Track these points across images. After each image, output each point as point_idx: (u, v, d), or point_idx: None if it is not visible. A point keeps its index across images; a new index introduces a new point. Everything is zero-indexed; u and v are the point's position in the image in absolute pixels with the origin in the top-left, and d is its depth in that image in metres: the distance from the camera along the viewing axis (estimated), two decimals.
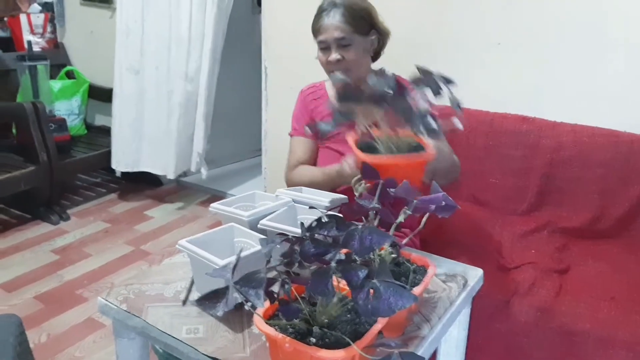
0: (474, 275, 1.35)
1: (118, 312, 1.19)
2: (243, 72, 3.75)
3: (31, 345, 2.03)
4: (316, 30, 1.65)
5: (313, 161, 1.81)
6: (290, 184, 1.75)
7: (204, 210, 3.31)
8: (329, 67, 1.65)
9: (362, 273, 0.82)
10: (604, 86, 2.05)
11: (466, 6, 2.24)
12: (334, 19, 1.60)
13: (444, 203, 1.11)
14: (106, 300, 1.21)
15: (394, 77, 1.24)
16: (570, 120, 2.05)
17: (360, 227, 0.89)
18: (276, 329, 0.92)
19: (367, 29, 1.64)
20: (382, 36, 1.71)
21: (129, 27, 3.08)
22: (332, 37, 1.61)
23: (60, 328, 2.20)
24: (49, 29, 3.81)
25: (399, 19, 2.39)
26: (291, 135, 1.83)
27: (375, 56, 1.73)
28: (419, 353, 1.07)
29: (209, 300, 0.86)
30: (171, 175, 3.27)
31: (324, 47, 1.64)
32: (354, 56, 1.62)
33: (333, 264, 0.85)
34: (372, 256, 1.03)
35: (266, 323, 0.93)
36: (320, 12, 1.64)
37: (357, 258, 0.93)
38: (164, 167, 3.27)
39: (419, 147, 1.32)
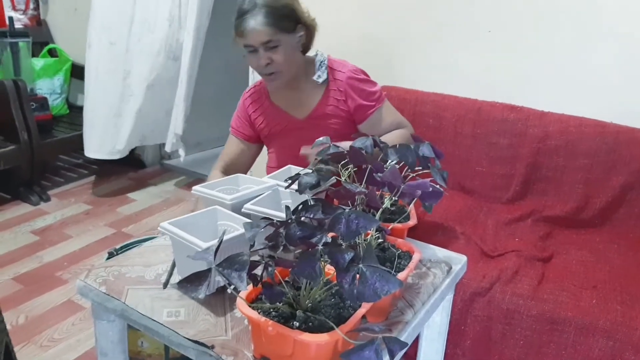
0: (458, 261, 1.35)
1: (97, 295, 1.17)
2: (229, 53, 3.69)
3: (9, 327, 2.02)
4: (240, 33, 1.56)
5: (244, 163, 1.85)
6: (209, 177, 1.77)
7: (187, 193, 3.28)
8: (260, 70, 1.62)
9: (349, 255, 0.81)
10: (592, 76, 2.05)
11: None
12: (256, 22, 1.52)
13: (431, 189, 1.10)
14: (85, 282, 1.19)
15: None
16: (557, 109, 2.05)
17: (347, 210, 0.88)
18: (259, 313, 0.90)
19: (292, 25, 1.58)
20: (309, 29, 1.64)
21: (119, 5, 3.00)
22: (259, 41, 1.54)
23: (39, 310, 2.17)
24: (31, 5, 3.72)
25: (391, 6, 2.38)
26: (230, 132, 1.86)
27: (305, 49, 1.67)
28: (402, 338, 1.06)
29: (190, 282, 0.84)
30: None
31: (252, 51, 1.58)
32: (283, 57, 1.57)
33: (320, 247, 0.84)
34: (358, 241, 1.02)
35: (249, 306, 0.92)
36: (242, 14, 1.55)
37: (342, 242, 0.92)
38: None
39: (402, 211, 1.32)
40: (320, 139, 1.30)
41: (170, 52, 3.02)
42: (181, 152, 3.26)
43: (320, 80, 1.67)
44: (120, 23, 2.95)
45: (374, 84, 1.72)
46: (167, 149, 3.25)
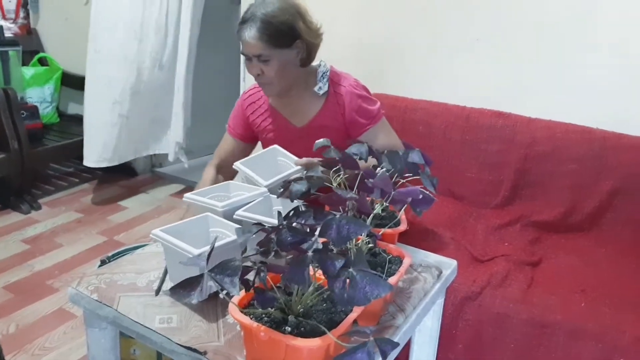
0: (448, 266, 1.37)
1: (89, 302, 1.17)
2: (221, 62, 3.71)
3: (0, 337, 2.01)
4: (238, 38, 1.59)
5: (237, 160, 1.84)
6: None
7: (179, 201, 3.28)
8: (254, 78, 1.64)
9: (339, 263, 0.82)
10: (578, 83, 2.08)
11: (447, 3, 2.25)
12: (250, 35, 1.54)
13: (421, 196, 1.11)
14: (77, 289, 1.19)
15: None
16: (544, 116, 2.08)
17: (337, 216, 0.89)
18: (251, 318, 0.91)
19: (288, 42, 1.57)
20: (309, 44, 1.62)
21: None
22: (251, 52, 1.57)
23: (30, 319, 2.15)
24: (21, 14, 3.71)
25: (382, 15, 2.41)
26: (227, 130, 1.87)
27: (304, 64, 1.66)
28: None
29: (183, 288, 0.85)
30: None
31: (247, 58, 1.60)
32: (274, 71, 1.58)
33: (310, 253, 0.85)
34: (348, 246, 1.04)
35: (241, 312, 0.92)
36: (242, 22, 1.57)
37: (333, 248, 0.93)
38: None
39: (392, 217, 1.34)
40: (321, 140, 1.31)
41: (157, 60, 3.04)
42: (183, 159, 3.29)
43: (321, 92, 1.68)
44: (105, 31, 2.96)
45: (373, 102, 1.72)
46: (170, 158, 3.28)
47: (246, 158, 1.52)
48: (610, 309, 1.57)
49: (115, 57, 2.97)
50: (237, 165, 1.46)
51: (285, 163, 1.52)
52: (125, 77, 3.00)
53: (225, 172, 1.85)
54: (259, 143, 1.91)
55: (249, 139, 1.85)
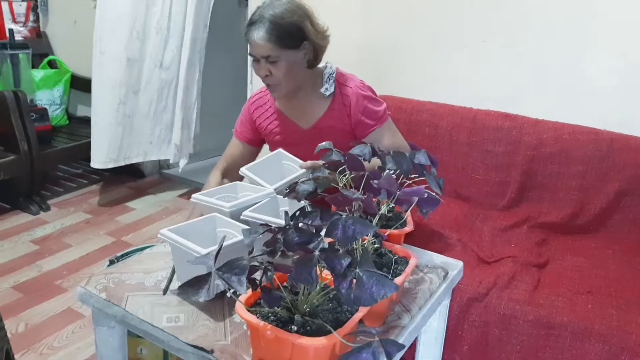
0: (454, 267, 1.37)
1: (97, 301, 1.18)
2: (228, 65, 3.73)
3: (9, 335, 2.02)
4: (246, 40, 1.60)
5: (245, 164, 1.81)
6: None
7: (187, 202, 3.29)
8: (261, 79, 1.65)
9: (346, 261, 0.83)
10: (585, 85, 2.08)
11: (452, 4, 2.26)
12: (259, 36, 1.55)
13: (426, 195, 1.12)
14: (85, 289, 1.21)
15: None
16: (551, 117, 2.08)
17: (343, 216, 0.90)
18: (258, 317, 0.92)
19: (296, 43, 1.58)
20: (316, 46, 1.63)
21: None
22: (259, 53, 1.58)
23: (39, 318, 2.17)
24: (31, 17, 3.75)
25: (388, 17, 2.42)
26: (233, 134, 1.88)
27: (311, 65, 1.66)
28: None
29: (191, 286, 0.86)
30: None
31: (255, 60, 1.62)
32: (282, 72, 1.59)
33: (317, 252, 0.86)
34: (354, 246, 1.04)
35: (248, 310, 0.93)
36: (250, 24, 1.58)
37: (340, 248, 0.94)
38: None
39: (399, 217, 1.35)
40: (323, 143, 1.32)
41: (157, 60, 3.06)
42: (181, 164, 3.31)
43: (327, 93, 1.69)
44: (109, 32, 2.98)
45: (379, 103, 1.73)
46: (171, 160, 3.30)
47: (251, 163, 1.53)
48: (617, 310, 1.56)
49: (118, 57, 2.99)
50: (243, 170, 1.47)
51: (290, 167, 1.54)
52: (128, 78, 3.02)
53: (232, 177, 1.85)
54: (266, 147, 1.92)
55: (257, 142, 1.86)
